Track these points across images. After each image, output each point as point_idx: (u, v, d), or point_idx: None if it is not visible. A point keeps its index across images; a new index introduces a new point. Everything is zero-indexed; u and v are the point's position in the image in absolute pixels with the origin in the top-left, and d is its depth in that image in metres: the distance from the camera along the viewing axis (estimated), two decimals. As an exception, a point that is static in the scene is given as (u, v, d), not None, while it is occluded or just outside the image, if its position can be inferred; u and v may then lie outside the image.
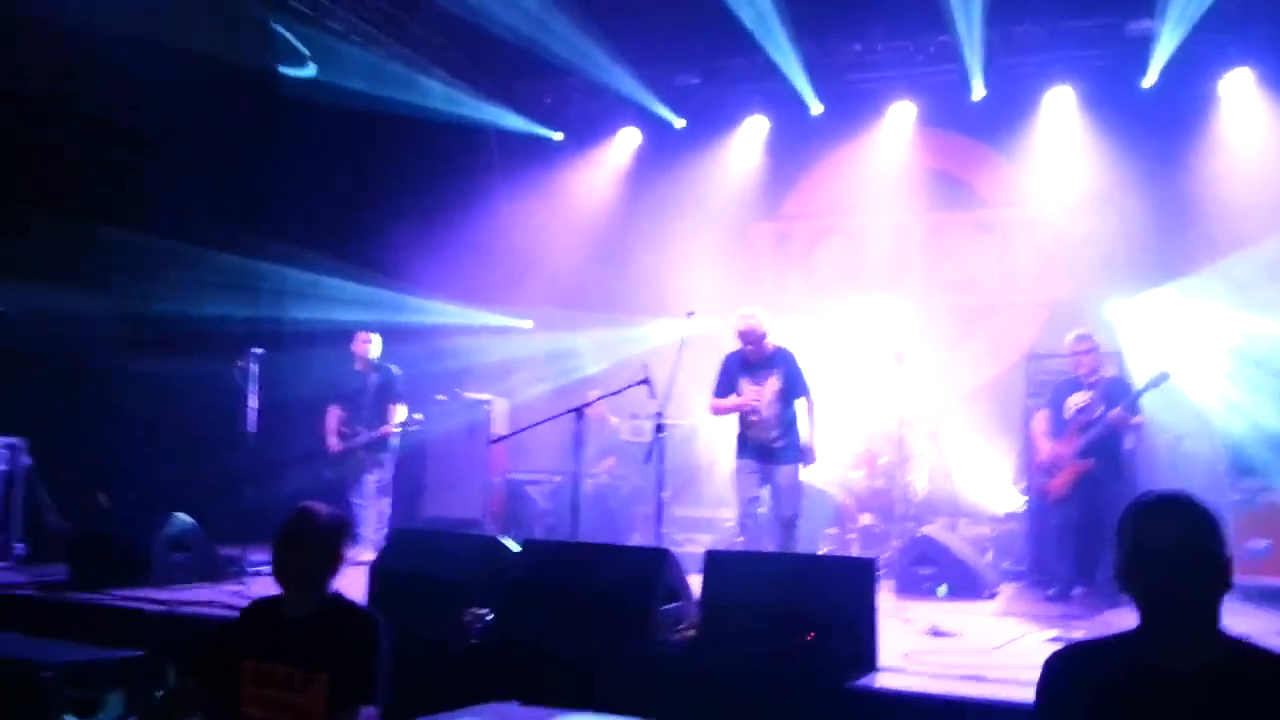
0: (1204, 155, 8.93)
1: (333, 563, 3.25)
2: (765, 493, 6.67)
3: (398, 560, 5.34)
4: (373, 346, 8.12)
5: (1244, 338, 7.17)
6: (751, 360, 6.66)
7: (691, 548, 6.99)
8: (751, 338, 6.60)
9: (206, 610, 5.13)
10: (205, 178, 8.76)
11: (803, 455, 6.63)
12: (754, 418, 6.62)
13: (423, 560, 5.23)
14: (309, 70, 9.55)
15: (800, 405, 6.70)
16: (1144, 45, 8.88)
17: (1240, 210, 8.41)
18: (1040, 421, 7.09)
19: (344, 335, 8.32)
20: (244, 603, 3.91)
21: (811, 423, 6.69)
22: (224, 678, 3.19)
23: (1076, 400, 6.83)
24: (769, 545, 6.53)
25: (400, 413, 7.96)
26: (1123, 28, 9.07)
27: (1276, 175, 8.43)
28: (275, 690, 3.13)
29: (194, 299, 8.47)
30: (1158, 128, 8.99)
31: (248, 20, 8.84)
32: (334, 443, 7.99)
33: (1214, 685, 2.08)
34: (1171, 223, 8.73)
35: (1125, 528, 2.21)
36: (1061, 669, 2.28)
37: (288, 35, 9.30)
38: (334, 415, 8.07)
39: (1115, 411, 6.56)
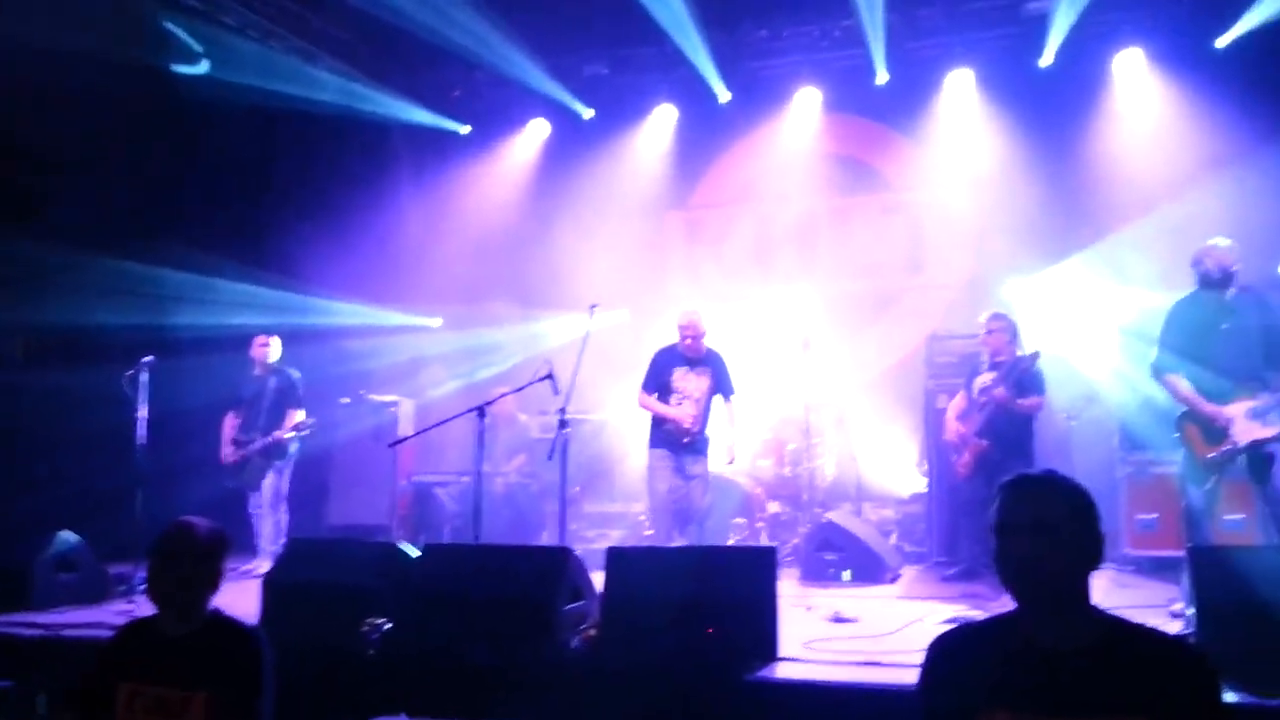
0: (1098, 133, 9.16)
1: (212, 579, 3.14)
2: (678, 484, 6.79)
3: (293, 571, 5.19)
4: (271, 350, 7.94)
5: (1134, 312, 7.34)
6: (688, 356, 6.91)
7: (602, 543, 6.97)
8: (692, 333, 6.86)
9: (91, 632, 4.93)
10: (96, 180, 8.46)
11: (719, 453, 6.91)
12: (677, 409, 6.84)
13: (319, 570, 5.09)
14: (202, 67, 9.27)
15: (719, 404, 6.94)
16: (1040, 25, 9.04)
17: (1131, 186, 8.63)
18: (958, 401, 7.15)
19: (243, 340, 8.11)
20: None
21: (733, 422, 6.96)
22: (98, 703, 3.08)
23: (981, 380, 6.92)
24: (678, 538, 6.57)
25: (297, 417, 7.79)
26: (1020, 8, 9.23)
27: (1165, 151, 8.63)
28: (152, 714, 3.03)
29: (84, 307, 8.18)
30: (1054, 107, 9.19)
31: (136, 17, 8.54)
32: (228, 451, 7.80)
33: (1091, 662, 2.12)
34: (1068, 200, 8.93)
35: (994, 507, 2.25)
36: (943, 652, 2.32)
37: (179, 32, 9.01)
38: (230, 423, 7.88)
39: (998, 390, 6.65)
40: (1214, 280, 5.36)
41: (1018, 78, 9.39)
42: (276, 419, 7.74)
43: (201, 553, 3.12)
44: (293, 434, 7.72)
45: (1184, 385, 5.36)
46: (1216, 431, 5.24)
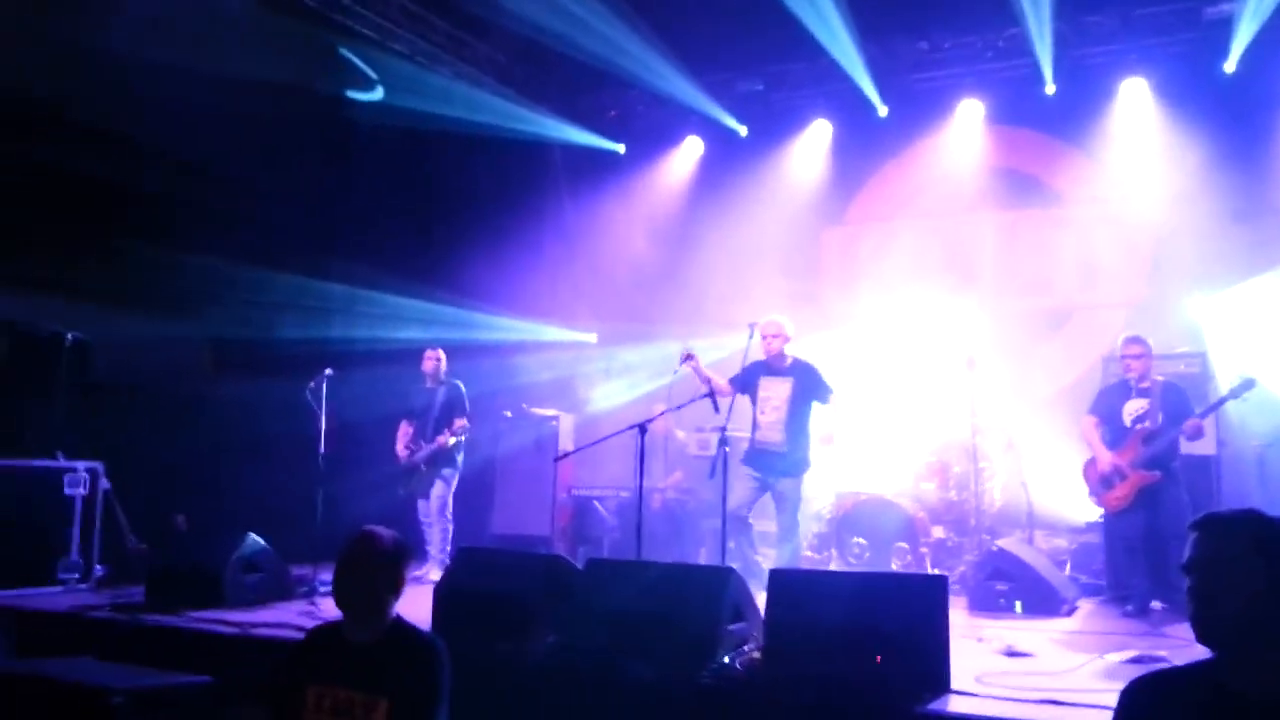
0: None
1: (395, 587, 3.26)
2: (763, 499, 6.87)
3: (462, 580, 5.36)
4: (441, 363, 8.24)
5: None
6: (772, 367, 6.94)
7: (761, 563, 6.90)
8: (773, 329, 6.87)
9: (277, 631, 5.20)
10: (278, 201, 8.96)
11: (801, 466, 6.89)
12: (761, 417, 6.87)
13: (488, 579, 5.23)
14: (377, 94, 9.72)
15: (817, 412, 6.93)
16: (1223, 29, 8.60)
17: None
18: (1092, 429, 6.81)
19: (413, 354, 8.43)
20: (314, 622, 3.96)
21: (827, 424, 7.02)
22: (288, 702, 3.23)
23: (1133, 407, 6.57)
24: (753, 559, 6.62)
25: (461, 426, 8.00)
26: (1200, 12, 8.80)
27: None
28: (336, 716, 3.16)
29: (270, 322, 8.67)
30: (1239, 114, 8.69)
31: (316, 47, 9.03)
32: (401, 452, 8.10)
33: None
34: (1257, 214, 8.39)
35: (1188, 543, 2.15)
36: (1140, 698, 2.21)
37: (355, 60, 9.47)
38: (404, 430, 8.19)
39: (1191, 422, 6.27)
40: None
41: (1198, 85, 8.93)
42: (444, 429, 8.00)
43: (385, 561, 3.24)
44: (454, 440, 7.94)
45: None
46: None
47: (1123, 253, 9.21)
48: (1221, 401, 6.39)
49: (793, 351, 6.99)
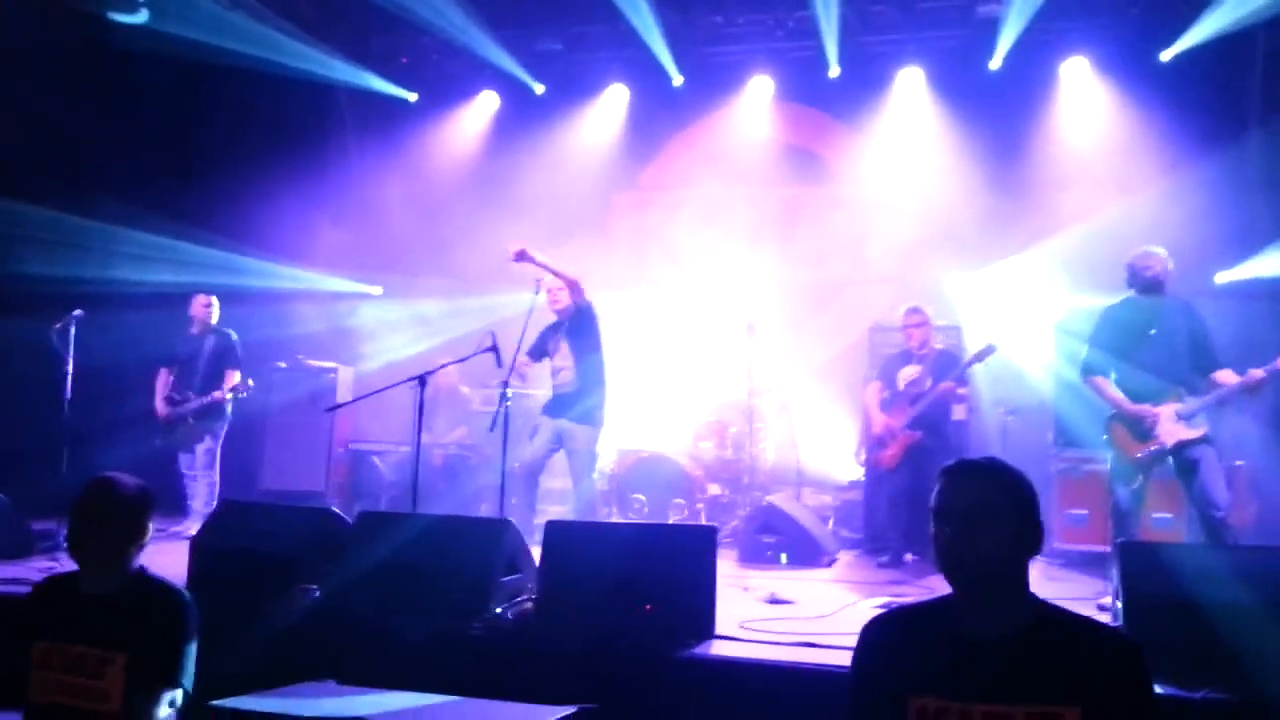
0: (1043, 137, 9.33)
1: (135, 536, 3.05)
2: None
3: (223, 534, 5.08)
4: (213, 310, 7.77)
5: (1069, 312, 7.50)
6: (557, 324, 6.96)
7: (540, 519, 6.90)
8: (557, 291, 6.80)
9: (11, 589, 4.77)
10: (24, 127, 8.14)
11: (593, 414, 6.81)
12: (556, 375, 6.85)
13: (250, 533, 4.99)
14: (141, 16, 8.95)
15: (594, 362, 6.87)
16: (991, 28, 9.17)
17: (1073, 191, 8.85)
18: (872, 393, 7.27)
19: (179, 298, 7.92)
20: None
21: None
22: (13, 662, 2.98)
23: (907, 373, 7.05)
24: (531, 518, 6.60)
25: (235, 379, 7.62)
26: (972, 10, 9.35)
27: (1107, 158, 8.86)
28: (67, 674, 2.95)
29: (10, 257, 7.88)
30: (1002, 109, 9.36)
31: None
32: (160, 406, 7.62)
33: (1021, 649, 2.13)
34: (1011, 201, 9.10)
35: (935, 491, 2.25)
36: (876, 635, 2.32)
37: (118, -23, 8.70)
38: (163, 379, 7.69)
39: (944, 384, 6.79)
40: (1147, 285, 5.49)
41: (967, 79, 9.53)
42: (214, 380, 7.56)
43: (125, 510, 3.04)
44: (230, 396, 7.55)
45: (1110, 387, 5.53)
46: (1143, 431, 5.38)
47: (891, 232, 9.72)
48: (968, 364, 6.91)
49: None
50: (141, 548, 3.07)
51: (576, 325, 6.85)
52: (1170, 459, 5.34)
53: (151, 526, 3.12)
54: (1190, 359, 5.40)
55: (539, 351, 6.96)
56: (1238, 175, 8.38)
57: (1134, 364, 5.47)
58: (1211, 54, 8.40)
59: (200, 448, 7.56)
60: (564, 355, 6.83)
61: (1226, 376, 5.28)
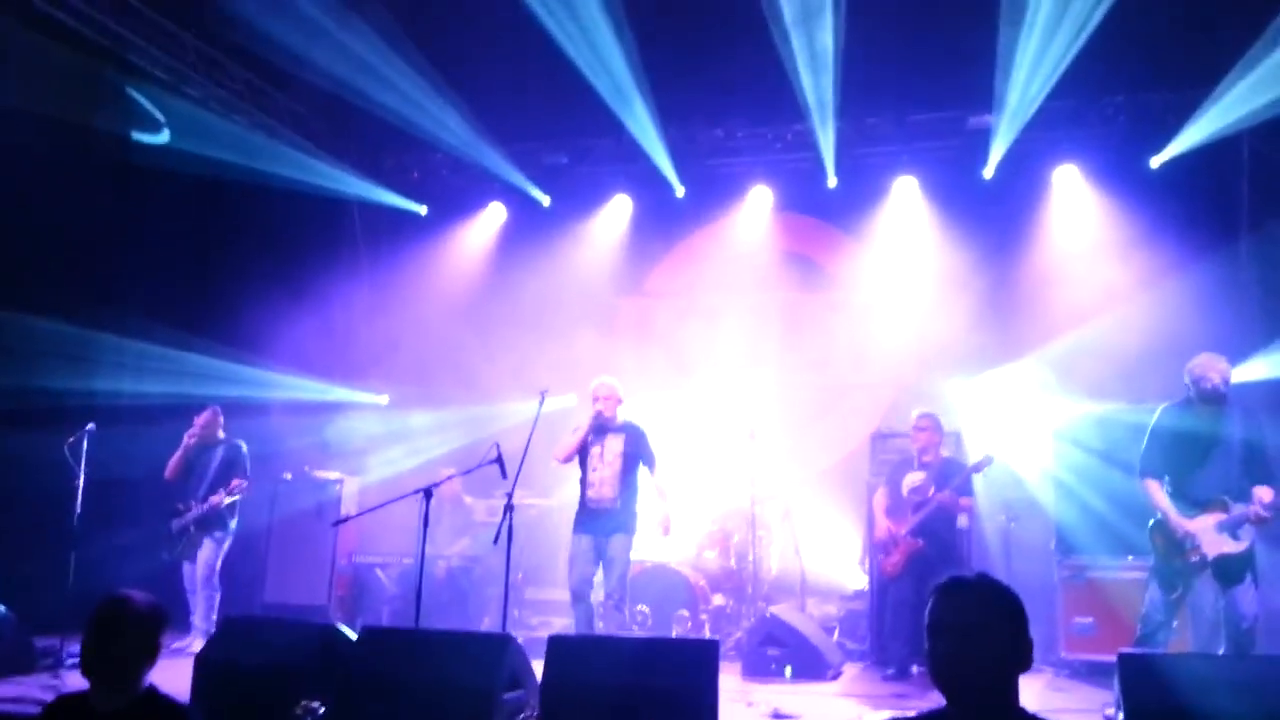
0: (1037, 244, 9.52)
1: (149, 654, 3.08)
2: (599, 575, 6.74)
3: (227, 650, 5.09)
4: (218, 422, 7.89)
5: (1067, 419, 7.56)
6: (603, 426, 6.90)
7: (544, 631, 6.90)
8: (606, 391, 6.90)
9: (13, 707, 4.78)
10: (43, 241, 8.37)
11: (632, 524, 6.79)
12: (593, 474, 6.78)
13: (254, 649, 5.00)
14: (163, 136, 9.30)
15: (645, 476, 6.90)
16: (984, 138, 9.41)
17: (1068, 297, 8.95)
18: (880, 499, 7.30)
19: (186, 410, 8.02)
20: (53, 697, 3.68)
21: (663, 495, 6.88)
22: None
23: (911, 480, 7.09)
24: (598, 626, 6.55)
25: (237, 485, 7.65)
26: (964, 121, 9.61)
27: (1101, 264, 9.00)
28: (82, 792, 2.97)
29: (26, 370, 8.03)
30: (996, 217, 9.55)
31: (101, 83, 8.58)
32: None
33: None
34: (1007, 307, 9.24)
35: (928, 607, 2.31)
36: None
37: (142, 100, 9.06)
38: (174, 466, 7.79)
39: (942, 495, 6.82)
40: (1205, 392, 5.50)
41: (961, 186, 9.74)
42: (223, 489, 7.61)
43: (139, 627, 3.07)
44: (228, 500, 7.56)
45: (1161, 495, 5.54)
46: (1183, 543, 5.39)
47: (891, 338, 9.85)
48: (968, 474, 6.94)
49: (623, 414, 7.04)
50: (152, 664, 3.10)
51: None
52: (1209, 571, 5.34)
53: (162, 643, 3.15)
54: (1243, 467, 5.41)
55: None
56: (1231, 277, 8.53)
57: (1188, 472, 5.50)
58: (1199, 160, 8.57)
59: (201, 557, 7.55)
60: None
61: (1262, 493, 5.27)
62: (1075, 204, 9.52)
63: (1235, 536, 5.29)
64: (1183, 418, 5.60)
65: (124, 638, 3.03)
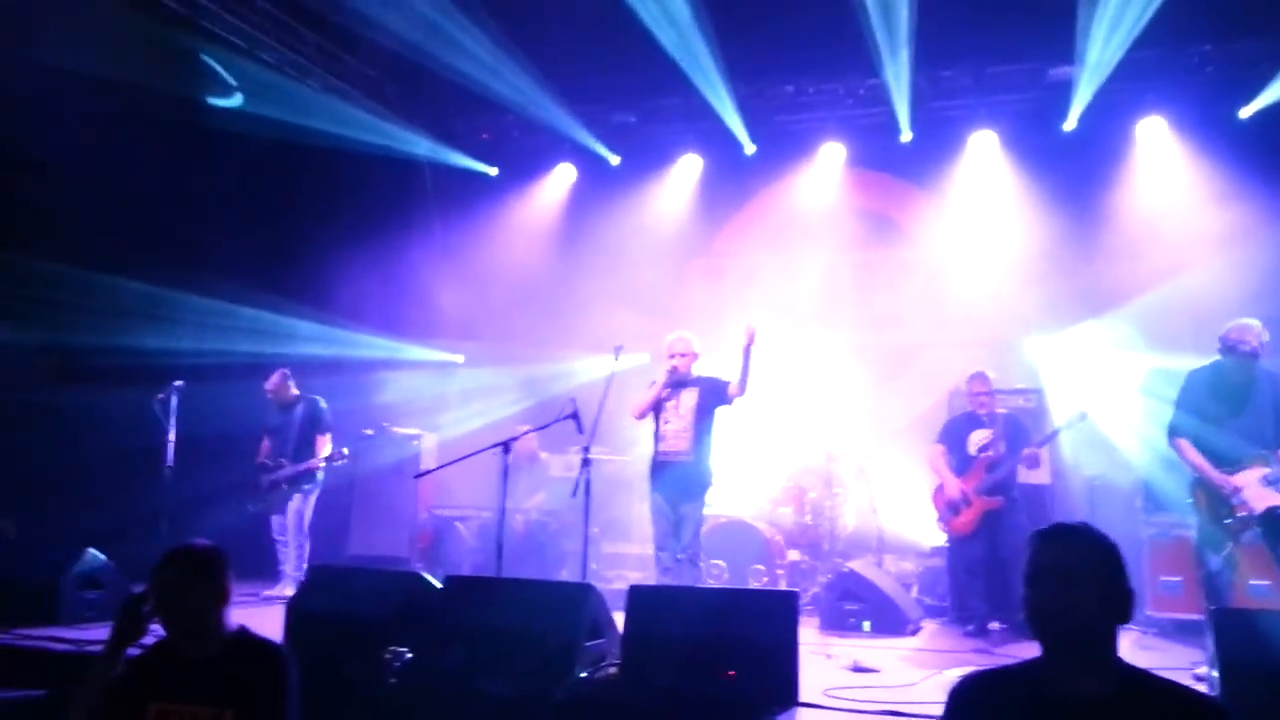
0: (1121, 199, 9.24)
1: (216, 597, 3.12)
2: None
3: (316, 598, 5.23)
4: (289, 381, 8.09)
5: (1152, 374, 7.39)
6: (679, 379, 6.80)
7: (620, 584, 6.96)
8: (682, 346, 6.80)
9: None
10: (126, 208, 8.60)
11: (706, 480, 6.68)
12: (665, 426, 6.68)
13: (342, 598, 5.12)
14: (236, 100, 9.46)
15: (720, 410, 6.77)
16: (1064, 91, 9.17)
17: (1152, 253, 8.70)
18: (938, 456, 7.16)
19: (269, 368, 8.21)
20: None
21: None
22: (128, 720, 3.10)
23: (978, 438, 6.98)
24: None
25: (327, 445, 7.85)
26: (1044, 73, 9.37)
27: (1187, 219, 8.73)
28: (181, 732, 3.06)
29: (115, 330, 8.28)
30: (1078, 171, 9.29)
31: (176, 49, 8.73)
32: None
33: (1108, 713, 2.13)
34: (1089, 263, 9.01)
35: (1026, 554, 2.28)
36: (965, 697, 2.34)
37: (216, 66, 9.21)
38: (265, 448, 7.98)
39: (1029, 450, 6.70)
40: (1242, 354, 5.45)
41: (1041, 141, 9.51)
42: (307, 446, 7.80)
43: (200, 573, 3.11)
44: (324, 463, 7.77)
45: (1193, 451, 5.51)
46: (1228, 499, 5.30)
47: (969, 294, 9.69)
48: (1056, 432, 6.85)
49: (698, 369, 6.93)
50: (225, 606, 3.13)
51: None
52: (1258, 525, 5.24)
53: (230, 585, 3.17)
54: (1276, 427, 5.37)
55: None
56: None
57: (1222, 428, 5.45)
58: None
59: (291, 508, 7.78)
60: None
61: None
62: (1161, 157, 9.23)
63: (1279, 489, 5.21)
64: (1215, 377, 5.58)
65: (187, 585, 3.08)
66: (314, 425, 7.91)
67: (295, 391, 8.12)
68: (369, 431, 9.29)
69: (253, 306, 9.17)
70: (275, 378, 8.12)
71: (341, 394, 8.65)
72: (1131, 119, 9.34)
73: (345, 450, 7.84)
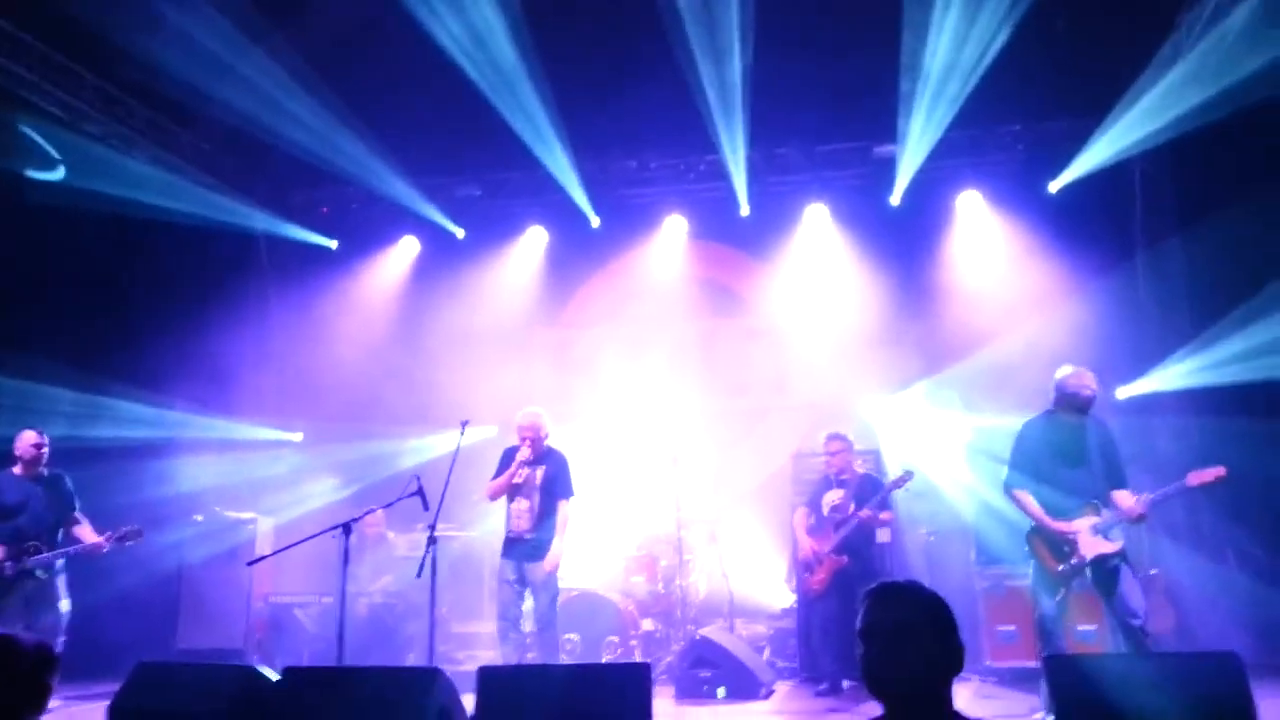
0: (944, 267, 9.81)
1: (38, 700, 2.85)
2: (528, 604, 6.70)
3: (141, 697, 4.85)
4: (43, 450, 7.03)
5: (978, 432, 7.76)
6: (528, 459, 6.84)
7: (471, 665, 6.76)
8: (530, 432, 6.81)
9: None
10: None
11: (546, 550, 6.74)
12: (514, 505, 6.75)
13: (170, 695, 4.77)
14: (58, 173, 9.00)
15: (561, 507, 6.82)
16: (889, 167, 9.71)
17: (974, 317, 9.24)
18: (800, 518, 7.38)
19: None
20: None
21: (561, 530, 6.78)
22: None
23: (830, 498, 7.19)
24: (529, 657, 6.47)
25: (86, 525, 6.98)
26: (870, 151, 9.91)
27: (1005, 285, 9.32)
28: None
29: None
30: (904, 241, 9.86)
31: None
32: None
33: None
34: (917, 327, 9.51)
35: (859, 613, 2.33)
36: None
37: (36, 137, 8.77)
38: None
39: (865, 511, 6.92)
40: (1083, 401, 5.69)
41: (870, 214, 10.01)
42: (59, 526, 6.97)
43: (27, 670, 2.83)
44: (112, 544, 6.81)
45: (1032, 503, 5.69)
46: (1062, 547, 5.55)
47: (808, 360, 10.02)
48: (887, 490, 7.06)
49: (550, 443, 6.98)
50: (41, 711, 2.85)
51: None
52: (1089, 571, 5.50)
53: (52, 687, 2.89)
54: (1105, 475, 5.62)
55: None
56: (1128, 296, 8.90)
57: (1055, 480, 5.66)
58: (1095, 183, 8.95)
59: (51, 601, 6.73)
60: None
61: (1122, 498, 5.55)
62: (979, 228, 9.86)
63: (1109, 538, 5.49)
64: (1049, 428, 5.79)
65: (10, 684, 2.81)
66: (65, 501, 7.02)
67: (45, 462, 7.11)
68: (199, 517, 8.78)
69: (77, 389, 8.61)
70: (33, 436, 7.05)
71: (170, 478, 8.17)
72: (951, 193, 9.95)
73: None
